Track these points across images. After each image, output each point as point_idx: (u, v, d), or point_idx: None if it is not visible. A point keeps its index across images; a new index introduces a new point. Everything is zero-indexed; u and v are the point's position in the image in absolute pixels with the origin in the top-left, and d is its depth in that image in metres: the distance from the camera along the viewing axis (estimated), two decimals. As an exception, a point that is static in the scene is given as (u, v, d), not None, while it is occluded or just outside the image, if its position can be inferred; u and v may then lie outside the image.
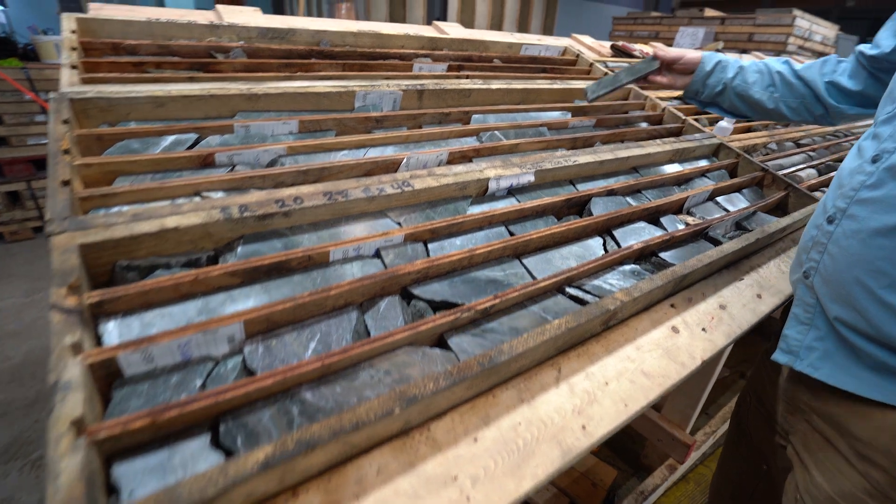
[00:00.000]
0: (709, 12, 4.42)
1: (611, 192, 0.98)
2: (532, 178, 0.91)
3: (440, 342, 0.60)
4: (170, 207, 0.58)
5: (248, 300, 0.55)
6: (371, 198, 0.72)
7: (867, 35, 3.51)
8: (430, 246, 0.73)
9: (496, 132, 1.06)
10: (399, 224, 0.75)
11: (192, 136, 0.77)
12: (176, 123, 0.78)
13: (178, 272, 0.53)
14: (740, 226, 1.06)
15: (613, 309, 0.65)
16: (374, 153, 0.89)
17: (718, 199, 1.13)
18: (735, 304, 0.83)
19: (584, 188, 0.99)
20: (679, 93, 1.82)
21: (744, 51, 3.43)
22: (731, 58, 0.98)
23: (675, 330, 0.74)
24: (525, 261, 0.75)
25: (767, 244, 1.03)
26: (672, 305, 0.78)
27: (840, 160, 1.62)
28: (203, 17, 1.12)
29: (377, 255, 0.68)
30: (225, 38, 1.09)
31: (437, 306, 0.64)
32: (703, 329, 0.76)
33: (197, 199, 0.65)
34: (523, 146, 1.03)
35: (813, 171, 1.44)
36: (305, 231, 0.67)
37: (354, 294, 0.59)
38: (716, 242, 0.95)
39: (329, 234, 0.68)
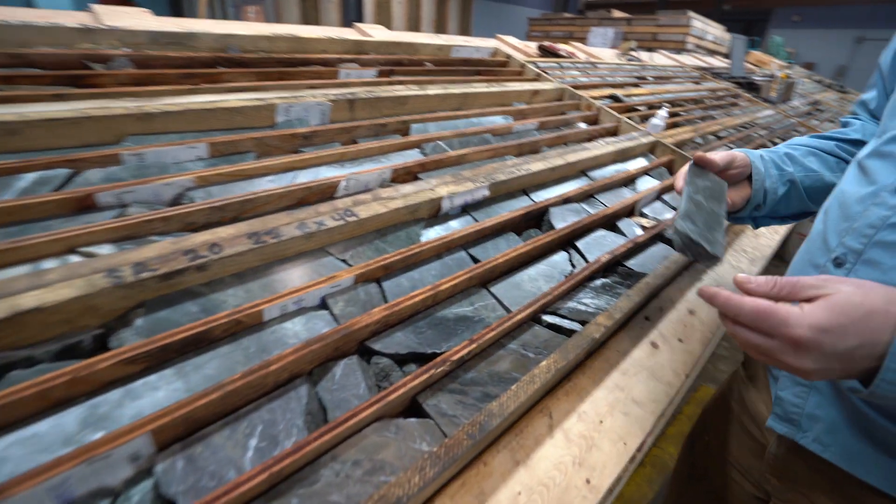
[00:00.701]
0: (616, 13, 4.67)
1: (567, 200, 0.92)
2: (487, 193, 0.83)
3: (414, 407, 0.50)
4: (28, 278, 0.43)
5: (157, 393, 0.42)
6: (309, 234, 0.60)
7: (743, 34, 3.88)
8: (384, 285, 0.62)
9: (440, 142, 0.98)
10: (346, 262, 0.63)
11: (63, 172, 0.60)
12: (38, 156, 0.60)
13: (48, 369, 0.38)
14: (689, 223, 1.06)
15: (599, 337, 0.59)
16: (305, 177, 0.76)
17: (664, 196, 1.13)
18: (703, 308, 0.81)
19: (539, 197, 0.93)
20: (612, 91, 1.83)
21: (650, 48, 3.64)
22: (760, 152, 0.68)
23: (654, 346, 0.69)
24: (493, 289, 0.67)
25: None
26: (647, 318, 0.74)
27: (754, 148, 1.72)
28: (73, 18, 0.92)
29: (323, 305, 0.56)
30: (104, 45, 0.90)
31: (404, 360, 0.54)
32: (680, 340, 0.73)
33: (73, 258, 0.49)
34: (471, 156, 0.96)
35: (736, 161, 1.50)
36: (228, 286, 0.54)
37: (301, 362, 0.48)
38: (671, 243, 0.94)
39: (260, 286, 0.55)
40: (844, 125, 0.71)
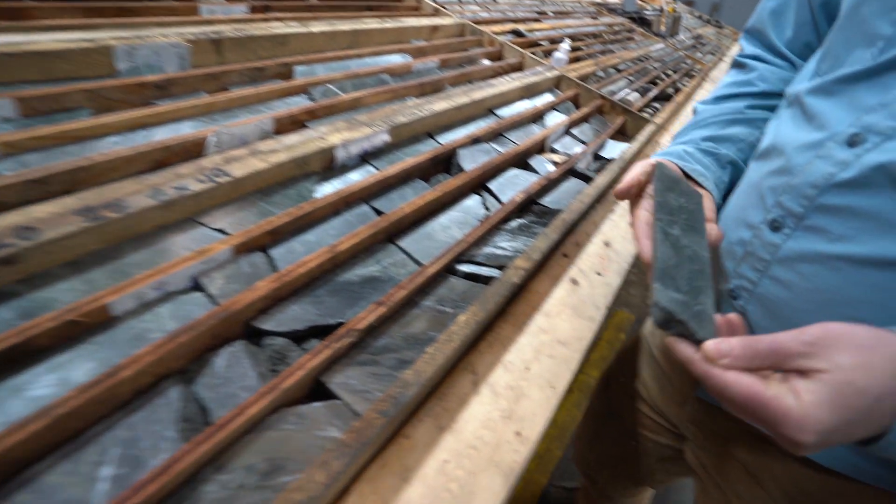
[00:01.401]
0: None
1: (475, 141, 0.87)
2: (387, 138, 0.75)
3: (319, 389, 0.43)
4: None
5: (-45, 434, 0.31)
6: (167, 203, 0.49)
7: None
8: (273, 253, 0.53)
9: (330, 86, 0.86)
10: (223, 232, 0.53)
11: None
12: None
13: None
14: (598, 156, 1.06)
15: (519, 281, 0.55)
16: (162, 134, 0.62)
17: (573, 131, 1.12)
18: (617, 239, 0.81)
19: (446, 140, 0.86)
20: (513, 26, 1.75)
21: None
22: (678, 149, 0.56)
23: (575, 282, 0.68)
24: (402, 243, 0.61)
25: (626, 170, 1.05)
26: (565, 255, 0.73)
27: (653, 83, 1.77)
28: None
29: (196, 286, 0.47)
30: None
31: (303, 336, 0.47)
32: (599, 273, 0.72)
33: None
34: (367, 99, 0.85)
35: (637, 95, 1.53)
36: (59, 279, 0.42)
37: (168, 360, 0.38)
38: (582, 177, 0.92)
39: (107, 275, 0.44)
40: (739, 66, 0.61)
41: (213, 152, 0.61)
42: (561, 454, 1.59)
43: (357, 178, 0.69)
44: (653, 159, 0.50)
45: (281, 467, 0.36)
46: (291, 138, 0.64)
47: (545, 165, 0.92)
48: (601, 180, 0.82)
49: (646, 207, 0.46)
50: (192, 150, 0.60)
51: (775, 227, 0.43)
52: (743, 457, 0.52)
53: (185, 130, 0.64)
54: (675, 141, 0.59)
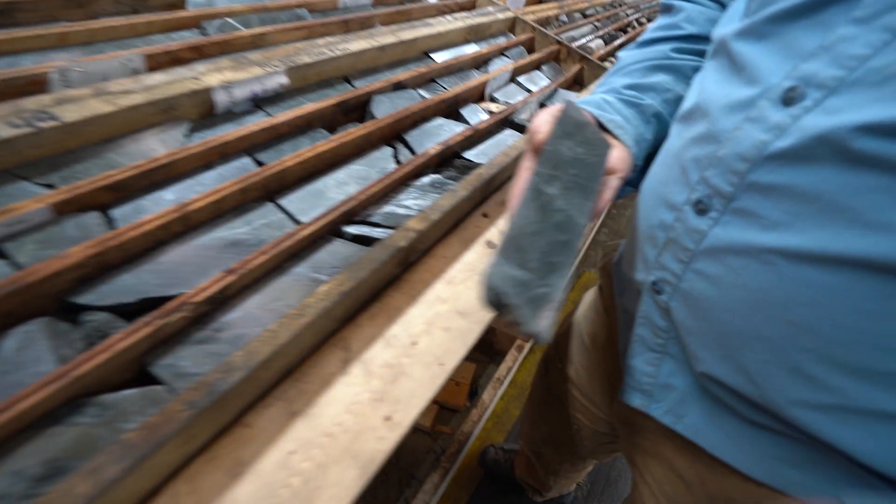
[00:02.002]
0: None
1: (398, 86, 0.77)
2: (285, 80, 0.65)
3: (141, 373, 0.37)
4: None
5: None
6: (-39, 150, 0.40)
7: None
8: (116, 214, 0.45)
9: (229, 20, 0.75)
10: (51, 188, 0.45)
11: None
12: None
13: None
14: (544, 106, 0.97)
15: (406, 245, 0.48)
16: (-3, 70, 0.52)
17: (519, 78, 1.02)
18: (549, 197, 0.74)
19: (364, 85, 0.77)
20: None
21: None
22: (596, 97, 0.48)
23: (491, 245, 0.62)
24: (284, 201, 0.53)
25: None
26: (485, 215, 0.66)
27: (622, 31, 1.65)
28: None
29: (1, 253, 0.39)
30: None
31: (134, 310, 0.40)
32: (520, 235, 0.66)
33: None
34: (273, 37, 0.75)
35: (600, 42, 1.42)
36: None
37: (-76, 344, 0.31)
38: (521, 128, 0.84)
39: None
40: (667, 9, 0.53)
41: (58, 90, 0.52)
42: (519, 413, 1.60)
43: (244, 126, 0.60)
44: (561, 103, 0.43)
45: (63, 471, 0.30)
46: (156, 78, 0.54)
47: (479, 116, 0.84)
48: (534, 132, 0.74)
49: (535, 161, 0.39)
50: (28, 89, 0.50)
51: (700, 209, 0.36)
52: (672, 459, 0.47)
53: (25, 64, 0.53)
54: (596, 90, 0.51)
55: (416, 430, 1.41)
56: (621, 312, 0.52)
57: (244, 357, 0.35)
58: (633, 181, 0.49)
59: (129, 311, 0.39)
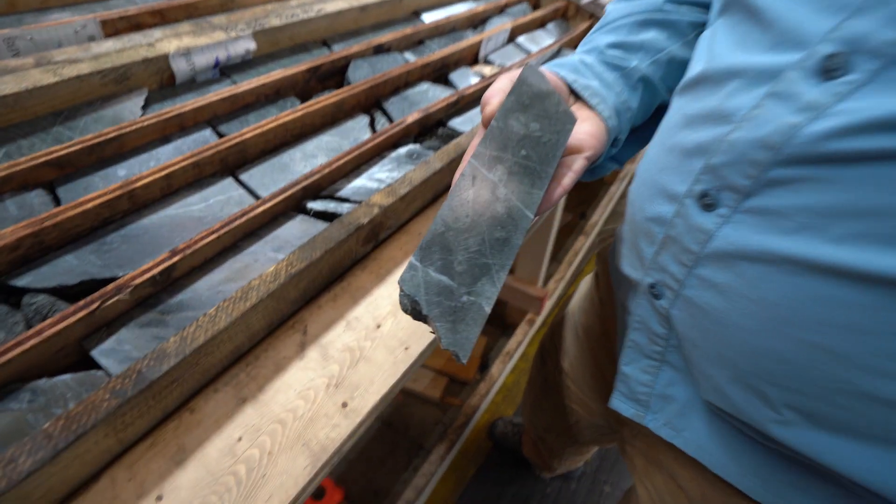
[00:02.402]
0: None
1: (381, 49, 0.72)
2: (252, 45, 0.61)
3: (84, 357, 0.36)
4: None
5: None
6: None
7: None
8: (62, 192, 0.43)
9: (199, -18, 0.70)
10: (-7, 164, 0.43)
11: None
12: None
13: None
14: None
15: (368, 221, 0.45)
16: (-52, 42, 0.50)
17: (519, 39, 0.95)
18: (540, 166, 0.69)
19: (343, 49, 0.72)
20: None
21: None
22: (574, 58, 0.42)
23: (470, 219, 0.58)
24: (244, 176, 0.50)
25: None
26: (467, 187, 0.62)
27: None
28: None
29: (-68, 233, 0.38)
30: None
31: (74, 293, 0.38)
32: (505, 207, 0.62)
33: None
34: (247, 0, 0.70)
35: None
36: None
37: None
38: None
39: None
40: None
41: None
42: (530, 375, 1.59)
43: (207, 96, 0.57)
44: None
45: (-12, 460, 0.29)
46: (106, 45, 0.51)
47: (470, 80, 0.78)
48: (524, 95, 0.69)
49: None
50: (-23, 62, 0.48)
51: (706, 204, 0.30)
52: (673, 470, 0.43)
53: (-24, 37, 0.51)
54: (578, 49, 0.44)
55: (425, 401, 1.42)
56: (619, 307, 0.47)
57: (178, 344, 0.33)
58: (618, 157, 0.44)
59: (72, 294, 0.38)
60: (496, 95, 0.33)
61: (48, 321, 0.33)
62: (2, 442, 0.30)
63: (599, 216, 1.89)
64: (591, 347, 0.62)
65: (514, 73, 0.35)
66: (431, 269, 0.27)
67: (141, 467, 0.33)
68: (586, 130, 0.35)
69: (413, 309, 0.26)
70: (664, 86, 0.42)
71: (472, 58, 0.84)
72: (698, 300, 0.32)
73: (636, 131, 0.45)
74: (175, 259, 0.38)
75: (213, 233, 0.41)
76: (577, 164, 0.34)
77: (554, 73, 0.38)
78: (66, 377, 0.34)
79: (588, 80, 0.38)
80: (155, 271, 0.37)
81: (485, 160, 0.31)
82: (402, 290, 0.26)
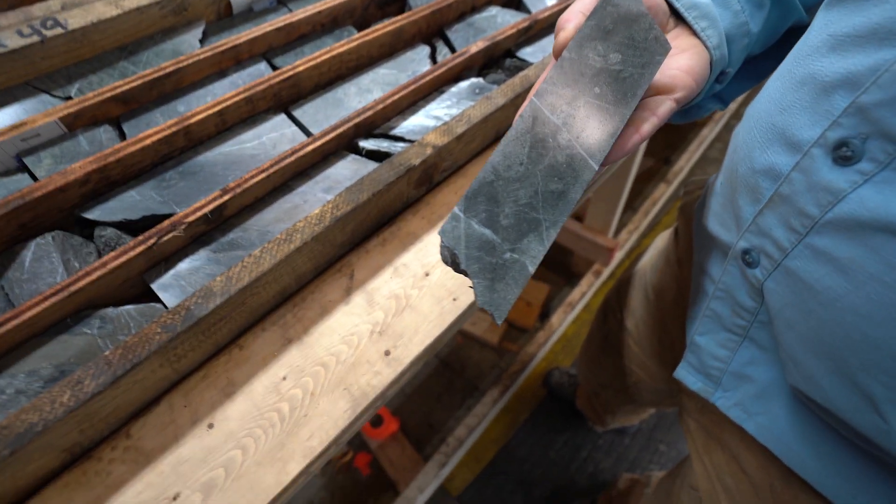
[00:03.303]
0: None
1: (446, -31, 0.65)
2: (309, -32, 0.57)
3: (147, 289, 0.38)
4: None
5: None
6: (-21, 63, 0.41)
7: None
8: (127, 127, 0.44)
9: None
10: (68, 100, 0.45)
11: None
12: None
13: None
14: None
15: (421, 163, 0.42)
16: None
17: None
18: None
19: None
20: None
21: None
22: None
23: (534, 163, 0.52)
24: (297, 112, 0.48)
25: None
26: (533, 127, 0.56)
27: None
28: None
29: (22, 167, 0.40)
30: None
31: (137, 227, 0.40)
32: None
33: None
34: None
35: None
36: None
37: (-52, 253, 0.34)
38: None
39: None
40: None
41: (79, -2, 0.50)
42: (590, 329, 1.55)
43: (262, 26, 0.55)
44: None
45: (69, 374, 0.32)
46: (165, -27, 0.50)
47: (546, 2, 0.69)
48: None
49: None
50: (51, -4, 0.49)
51: (843, 156, 0.24)
52: (738, 452, 0.39)
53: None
54: None
55: (483, 345, 1.44)
56: (697, 269, 0.41)
57: (223, 283, 0.33)
58: (724, 94, 0.36)
59: (135, 228, 0.40)
60: (573, 19, 0.27)
61: (111, 254, 0.35)
62: (78, 362, 0.33)
63: (686, 162, 1.70)
64: (661, 311, 0.56)
65: None
66: (475, 221, 0.24)
67: (195, 396, 0.35)
68: (682, 65, 0.28)
69: (452, 261, 0.24)
70: (806, 9, 0.33)
71: (551, -25, 0.73)
72: (806, 275, 0.26)
73: (753, 61, 0.36)
74: (226, 198, 0.38)
75: (262, 171, 0.40)
76: (664, 107, 0.27)
77: None
78: (130, 307, 0.36)
79: None
80: (207, 209, 0.38)
81: (549, 99, 0.26)
82: (441, 241, 0.24)
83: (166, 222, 0.37)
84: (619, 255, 1.66)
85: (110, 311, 0.35)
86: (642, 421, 1.22)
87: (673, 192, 1.72)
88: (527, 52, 0.60)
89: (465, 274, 0.23)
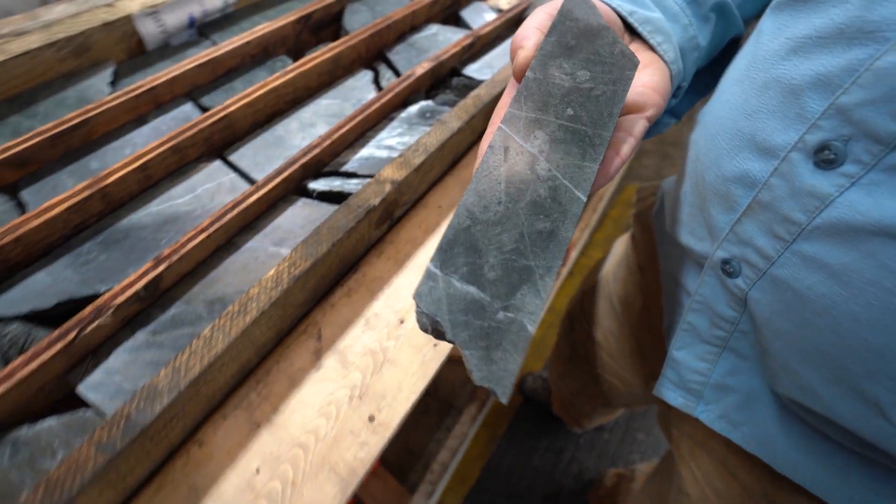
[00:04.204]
0: None
1: (377, -13, 0.62)
2: (228, -4, 0.52)
3: (70, 391, 0.31)
4: None
5: None
6: None
7: None
8: (26, 195, 0.37)
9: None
10: (-56, 167, 0.37)
11: None
12: None
13: None
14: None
15: (381, 202, 0.38)
16: None
17: (537, -41, 0.82)
18: (572, 114, 0.60)
19: (337, -9, 0.62)
20: None
21: None
22: None
23: (497, 185, 0.50)
24: (235, 156, 0.43)
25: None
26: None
27: None
28: None
29: None
30: None
31: (55, 317, 0.33)
32: (536, 168, 0.54)
33: None
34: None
35: None
36: None
37: None
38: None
39: None
40: None
41: (-51, 44, 0.42)
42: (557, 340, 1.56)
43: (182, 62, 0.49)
44: None
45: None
46: (57, 10, 0.43)
47: (484, 17, 0.67)
48: (551, 30, 0.58)
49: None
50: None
51: (825, 160, 0.23)
52: (727, 459, 0.38)
53: None
54: None
55: (450, 360, 1.41)
56: (668, 280, 0.40)
57: (170, 377, 0.28)
58: (677, 110, 0.35)
59: (50, 318, 0.33)
60: (530, 37, 0.25)
61: (20, 358, 0.28)
62: (-11, 499, 0.26)
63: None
64: (630, 321, 0.56)
65: (553, 4, 0.26)
66: (455, 278, 0.20)
67: (150, 512, 0.29)
68: (646, 82, 0.26)
69: (434, 329, 0.20)
70: (742, 13, 0.33)
71: (485, -12, 0.72)
72: (796, 283, 0.25)
73: (697, 74, 0.36)
74: (161, 268, 0.33)
75: (201, 231, 0.35)
76: (638, 126, 0.26)
77: (603, 1, 0.29)
78: (52, 421, 0.29)
79: (648, 10, 0.29)
80: (138, 286, 0.32)
81: (519, 125, 0.23)
82: (417, 307, 0.20)
83: (89, 308, 0.31)
84: (574, 254, 1.68)
85: (24, 431, 0.29)
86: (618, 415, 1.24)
87: (617, 185, 1.77)
88: (473, 69, 0.58)
89: (453, 343, 0.20)
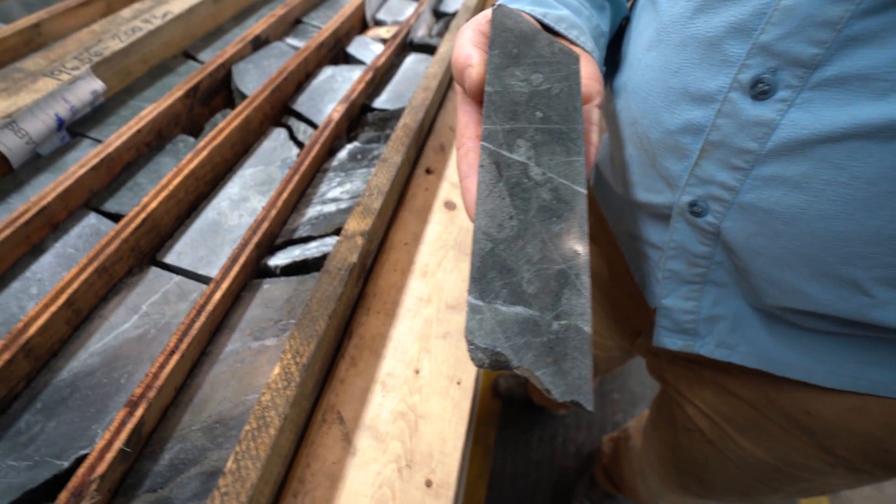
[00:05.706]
0: None
1: (259, 43, 0.59)
2: (98, 85, 0.46)
3: None
4: None
5: None
6: None
7: None
8: (-88, 381, 0.29)
9: (-24, 20, 0.51)
10: None
11: None
12: None
13: None
14: (438, 13, 0.81)
15: (359, 257, 0.36)
16: None
17: (397, -14, 0.84)
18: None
19: (214, 55, 0.58)
20: None
21: None
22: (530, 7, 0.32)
23: (450, 206, 0.50)
24: (171, 257, 0.38)
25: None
26: (428, 171, 0.53)
27: None
28: None
29: None
30: None
31: (12, 520, 0.26)
32: (477, 180, 0.54)
33: None
34: (54, 25, 0.52)
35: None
36: None
37: None
38: (425, 49, 0.69)
39: None
40: None
41: None
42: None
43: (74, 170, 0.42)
44: (488, 11, 0.29)
45: None
46: None
47: (371, 49, 0.67)
48: (446, 48, 0.60)
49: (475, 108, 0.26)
50: None
51: (760, 91, 0.26)
52: (726, 384, 0.42)
53: None
54: None
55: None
56: (627, 239, 0.44)
57: (209, 533, 0.23)
58: None
59: (5, 523, 0.26)
60: (473, 54, 0.26)
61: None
62: None
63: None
64: (604, 293, 0.59)
65: (478, 21, 0.27)
66: (499, 303, 0.20)
67: None
68: (585, 73, 0.29)
69: (495, 361, 0.19)
70: None
71: (360, 23, 0.72)
72: (764, 203, 0.28)
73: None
74: (139, 412, 0.27)
75: (172, 353, 0.30)
76: (594, 114, 0.28)
77: (517, 9, 0.31)
78: None
79: (556, 9, 0.31)
80: (118, 443, 0.26)
81: (500, 138, 0.23)
82: (472, 344, 0.19)
83: (63, 494, 0.24)
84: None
85: None
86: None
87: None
88: (383, 101, 0.57)
89: (520, 370, 0.19)
